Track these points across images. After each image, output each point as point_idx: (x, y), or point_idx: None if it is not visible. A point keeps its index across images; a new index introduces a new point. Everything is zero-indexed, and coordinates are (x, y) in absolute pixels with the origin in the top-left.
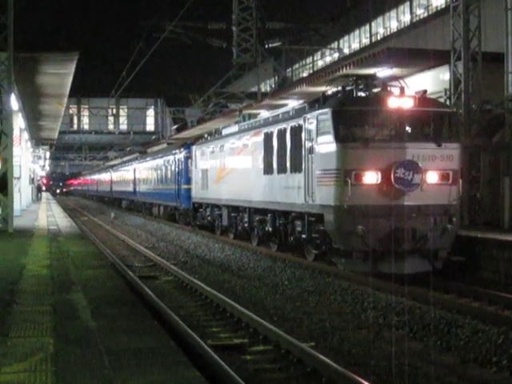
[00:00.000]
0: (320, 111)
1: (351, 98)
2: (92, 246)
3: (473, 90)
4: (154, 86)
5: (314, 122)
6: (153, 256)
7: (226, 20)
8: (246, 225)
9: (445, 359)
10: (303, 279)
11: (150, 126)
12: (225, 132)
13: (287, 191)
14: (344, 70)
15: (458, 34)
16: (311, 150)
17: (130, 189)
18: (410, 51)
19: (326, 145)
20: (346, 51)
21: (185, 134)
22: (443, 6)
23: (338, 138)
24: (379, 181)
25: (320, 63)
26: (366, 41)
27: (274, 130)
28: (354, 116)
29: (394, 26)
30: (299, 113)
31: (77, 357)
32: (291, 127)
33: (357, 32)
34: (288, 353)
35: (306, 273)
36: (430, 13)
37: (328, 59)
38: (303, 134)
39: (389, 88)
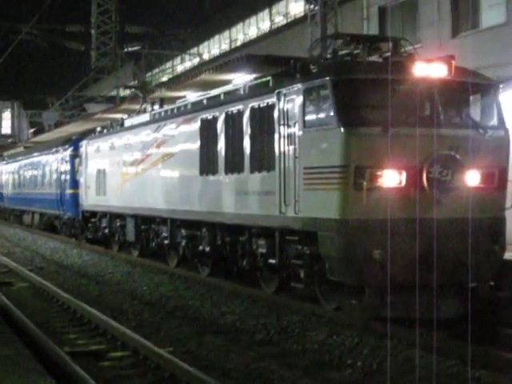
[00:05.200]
0: (310, 82)
1: (360, 62)
2: None
3: None
4: (11, 88)
5: (299, 98)
6: (8, 262)
7: (85, 23)
8: (165, 241)
9: (300, 362)
10: (162, 284)
11: (7, 129)
12: (131, 122)
13: (244, 198)
14: (203, 75)
15: (315, 41)
16: (292, 140)
17: None
18: (267, 58)
19: (322, 131)
20: (206, 56)
21: (42, 137)
22: (302, 13)
23: (345, 121)
24: (404, 183)
25: (180, 68)
26: (225, 46)
27: (220, 114)
28: (367, 89)
29: (253, 32)
30: (264, 88)
31: None
32: (251, 109)
33: (217, 38)
34: (146, 358)
35: (165, 278)
36: (289, 20)
37: (188, 64)
38: (276, 117)
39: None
